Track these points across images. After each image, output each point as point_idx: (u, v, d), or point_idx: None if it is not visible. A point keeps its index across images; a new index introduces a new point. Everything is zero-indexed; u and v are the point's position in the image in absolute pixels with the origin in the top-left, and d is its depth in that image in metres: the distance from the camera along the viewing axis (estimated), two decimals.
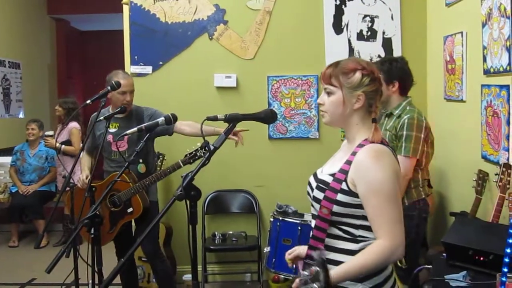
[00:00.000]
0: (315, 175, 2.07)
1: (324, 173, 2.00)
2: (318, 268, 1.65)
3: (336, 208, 1.88)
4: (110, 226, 3.77)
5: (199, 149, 3.57)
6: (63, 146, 5.96)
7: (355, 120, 1.96)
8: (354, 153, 1.90)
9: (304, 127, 4.79)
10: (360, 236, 1.89)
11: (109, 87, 3.34)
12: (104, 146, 3.79)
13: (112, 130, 3.84)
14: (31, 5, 8.49)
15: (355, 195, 1.86)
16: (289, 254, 2.15)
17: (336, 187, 1.89)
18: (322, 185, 1.95)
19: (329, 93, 1.97)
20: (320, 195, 1.93)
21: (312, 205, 2.02)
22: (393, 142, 3.30)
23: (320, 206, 1.91)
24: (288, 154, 4.83)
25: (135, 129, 2.82)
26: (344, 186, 1.88)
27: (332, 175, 1.93)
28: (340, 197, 1.88)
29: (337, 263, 1.88)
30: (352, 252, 1.89)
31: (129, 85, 3.74)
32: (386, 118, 3.46)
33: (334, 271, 1.80)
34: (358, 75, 1.92)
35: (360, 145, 1.91)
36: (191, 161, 3.60)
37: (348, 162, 1.90)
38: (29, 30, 8.38)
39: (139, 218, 3.78)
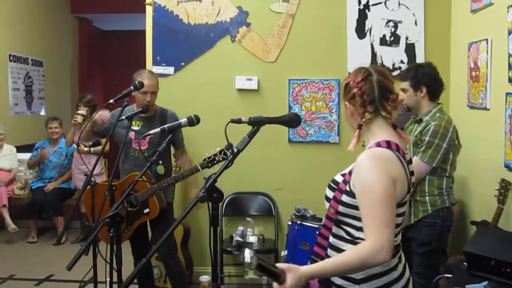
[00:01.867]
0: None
1: (338, 174, 2.06)
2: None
3: (341, 208, 1.94)
4: (126, 226, 3.78)
5: (218, 153, 3.58)
6: (92, 149, 6.03)
7: (359, 127, 2.03)
8: None
9: (325, 131, 4.77)
10: (358, 238, 1.92)
11: (132, 87, 3.36)
12: (126, 143, 3.82)
13: (135, 128, 3.87)
14: (54, 4, 8.59)
15: (354, 196, 1.90)
16: None
17: (342, 188, 1.96)
18: (333, 184, 2.02)
19: None
20: (330, 194, 2.02)
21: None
22: (417, 146, 3.29)
23: (329, 206, 1.99)
24: (307, 158, 4.82)
25: (158, 129, 2.82)
26: (347, 187, 1.95)
27: (343, 175, 2.00)
28: (344, 197, 1.94)
29: None
30: None
31: (151, 86, 3.75)
32: (416, 124, 3.45)
33: (312, 266, 1.83)
34: (343, 85, 2.07)
35: (369, 148, 1.98)
36: (210, 165, 3.60)
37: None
38: (52, 29, 8.48)
39: (154, 218, 3.79)
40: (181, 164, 4.07)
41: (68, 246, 6.15)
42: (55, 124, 6.47)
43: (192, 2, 4.79)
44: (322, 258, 1.96)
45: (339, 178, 2.01)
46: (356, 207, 1.89)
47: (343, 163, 2.18)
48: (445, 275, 3.20)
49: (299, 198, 4.63)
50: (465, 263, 2.85)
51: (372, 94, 1.97)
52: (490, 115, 3.81)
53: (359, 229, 1.90)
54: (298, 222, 4.15)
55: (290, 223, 4.22)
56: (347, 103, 2.02)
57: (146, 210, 3.73)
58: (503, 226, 3.35)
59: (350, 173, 1.95)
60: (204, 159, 3.62)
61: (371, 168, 1.86)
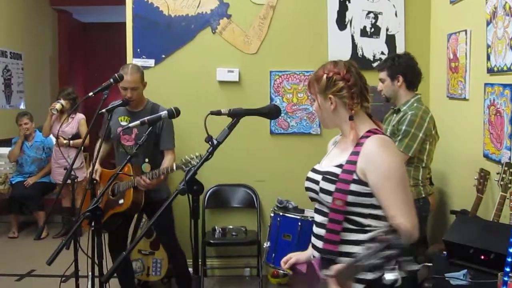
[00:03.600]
0: (314, 170, 2.12)
1: (328, 166, 2.05)
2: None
3: (350, 198, 1.94)
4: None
5: (194, 157, 3.50)
6: (71, 141, 5.98)
7: (342, 120, 2.06)
8: (359, 144, 1.97)
9: (306, 122, 4.79)
10: (368, 225, 1.95)
11: (111, 80, 3.32)
12: (114, 138, 3.87)
13: (123, 123, 3.84)
14: None
15: (366, 184, 1.93)
16: (284, 263, 2.22)
17: (347, 178, 1.95)
18: (331, 176, 1.99)
19: (312, 101, 2.13)
20: (329, 186, 1.98)
21: (316, 200, 2.07)
22: (394, 135, 3.31)
23: (333, 199, 1.95)
24: (289, 149, 4.83)
25: (138, 122, 2.80)
26: (354, 176, 1.94)
27: (339, 166, 1.99)
28: (353, 187, 1.93)
29: (347, 254, 1.93)
30: (361, 242, 1.92)
31: (129, 82, 3.69)
32: (394, 114, 3.48)
33: None
34: (324, 79, 2.04)
35: (365, 136, 1.98)
36: (184, 167, 3.53)
37: (355, 153, 1.96)
38: (32, 21, 8.36)
39: (150, 214, 3.76)
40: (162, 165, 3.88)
41: (50, 241, 6.10)
42: (25, 120, 6.34)
43: None
44: (335, 254, 1.95)
45: (335, 170, 1.99)
46: (366, 195, 1.93)
47: (324, 154, 2.20)
48: (425, 263, 3.23)
49: (281, 189, 4.63)
50: (445, 252, 2.88)
51: (358, 86, 2.02)
52: (469, 105, 3.85)
53: (368, 216, 1.95)
54: (281, 213, 4.15)
55: (272, 214, 4.23)
56: (331, 96, 2.01)
57: (121, 201, 3.69)
58: (482, 215, 3.39)
59: (350, 162, 1.96)
60: (181, 160, 3.57)
61: (386, 153, 1.93)
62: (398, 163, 1.96)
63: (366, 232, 1.91)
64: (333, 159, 2.08)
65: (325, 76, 2.03)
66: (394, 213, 1.89)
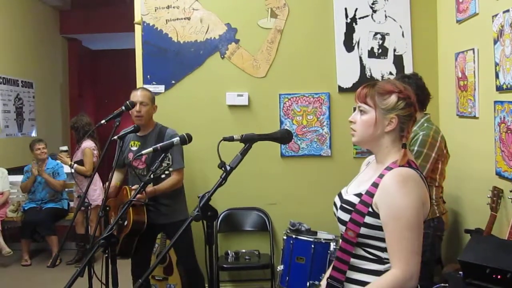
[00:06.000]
0: (340, 195, 2.05)
1: (350, 193, 1.98)
2: None
3: (363, 230, 1.87)
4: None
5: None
6: (75, 165, 5.98)
7: (385, 143, 1.94)
8: (381, 176, 1.88)
9: (316, 144, 4.79)
10: (386, 258, 1.87)
11: (123, 107, 3.37)
12: (126, 163, 3.94)
13: (133, 148, 3.89)
14: (44, 25, 8.61)
15: (378, 217, 1.84)
16: None
17: (363, 210, 1.87)
18: (348, 206, 1.93)
19: (362, 112, 1.96)
20: (345, 216, 1.92)
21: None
22: None
23: (346, 228, 1.90)
24: (300, 171, 4.82)
25: (150, 149, 2.81)
26: (369, 208, 1.86)
27: (358, 195, 1.92)
28: (367, 219, 1.86)
29: (361, 283, 1.88)
30: (377, 273, 1.87)
31: (137, 96, 3.80)
32: None
33: None
34: (394, 97, 1.91)
35: (388, 168, 1.88)
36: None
37: (375, 185, 1.88)
38: (42, 50, 8.49)
39: (169, 235, 3.77)
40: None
41: (63, 268, 6.09)
42: (42, 145, 6.39)
43: (181, 20, 4.82)
44: (341, 283, 1.92)
45: (353, 199, 1.92)
46: (380, 228, 1.84)
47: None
48: (441, 284, 3.21)
49: (293, 212, 4.64)
50: (460, 272, 2.86)
51: (414, 116, 1.95)
52: (480, 123, 3.85)
53: (384, 249, 1.86)
54: (293, 236, 4.15)
55: (285, 237, 4.23)
56: (395, 117, 1.89)
57: (126, 223, 3.68)
58: (497, 233, 3.37)
59: (368, 193, 1.88)
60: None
61: (400, 191, 1.80)
62: (411, 203, 1.78)
63: (384, 263, 1.86)
64: (359, 184, 2.00)
65: (396, 94, 1.91)
66: (391, 258, 1.81)
